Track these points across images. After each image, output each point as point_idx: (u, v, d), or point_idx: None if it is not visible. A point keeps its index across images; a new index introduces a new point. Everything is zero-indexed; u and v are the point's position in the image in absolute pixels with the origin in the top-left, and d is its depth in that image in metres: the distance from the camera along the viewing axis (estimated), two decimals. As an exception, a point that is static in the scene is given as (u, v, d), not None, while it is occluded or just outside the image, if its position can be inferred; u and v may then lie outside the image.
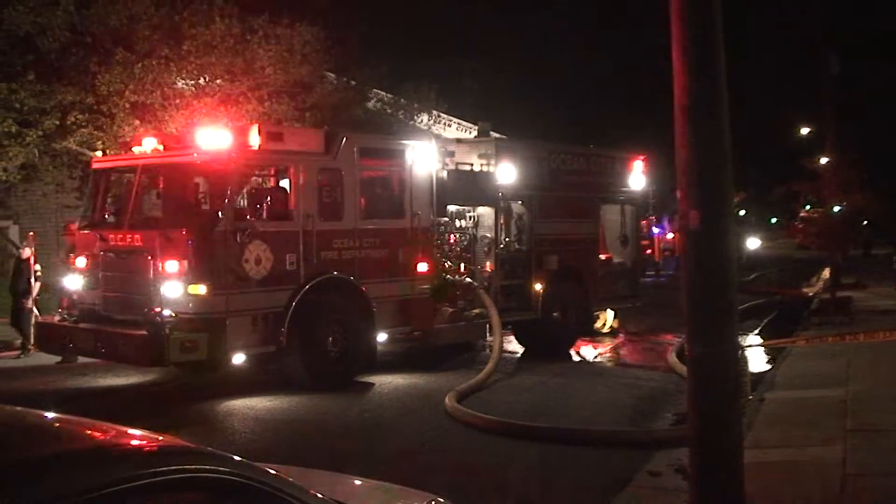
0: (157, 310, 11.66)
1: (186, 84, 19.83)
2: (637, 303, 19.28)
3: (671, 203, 29.43)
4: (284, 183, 13.25)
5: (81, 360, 13.42)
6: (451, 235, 15.53)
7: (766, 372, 14.82)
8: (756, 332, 20.77)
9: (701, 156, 6.28)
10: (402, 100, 25.93)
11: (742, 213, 58.52)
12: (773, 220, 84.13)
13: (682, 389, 11.84)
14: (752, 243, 52.07)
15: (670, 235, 37.33)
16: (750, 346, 17.99)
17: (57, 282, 15.07)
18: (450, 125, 32.77)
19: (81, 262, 13.26)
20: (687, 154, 6.29)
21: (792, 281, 35.23)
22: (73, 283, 13.30)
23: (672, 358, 15.22)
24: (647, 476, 8.69)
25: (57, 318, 13.28)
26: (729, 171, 6.31)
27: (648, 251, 30.06)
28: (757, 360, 16.81)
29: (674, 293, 18.95)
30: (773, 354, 16.65)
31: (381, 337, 13.86)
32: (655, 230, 36.52)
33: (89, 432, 3.58)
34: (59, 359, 14.39)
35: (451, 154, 15.84)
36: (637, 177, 18.93)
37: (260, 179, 14.50)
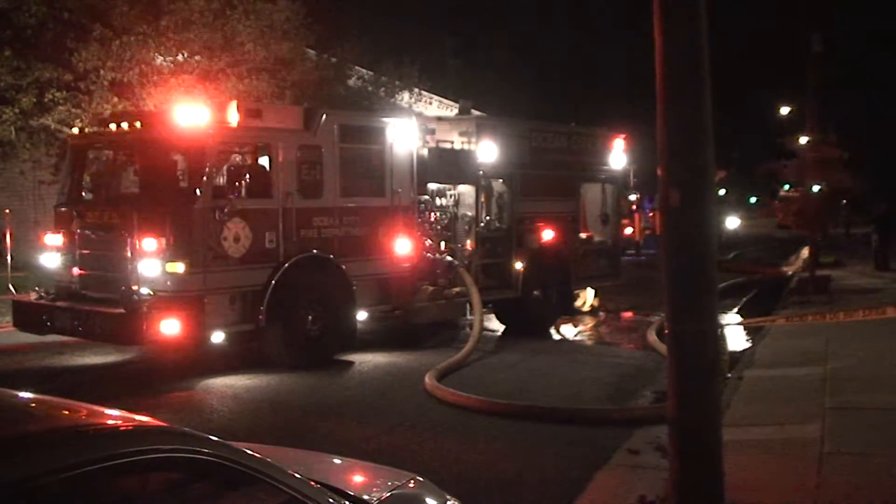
0: (135, 288, 11.60)
1: (165, 60, 19.68)
2: (617, 281, 19.36)
3: (652, 182, 29.50)
4: (264, 160, 13.17)
5: (58, 338, 13.32)
6: (432, 214, 15.50)
7: (745, 350, 14.92)
8: (735, 310, 20.89)
9: (682, 134, 6.26)
10: (382, 77, 25.83)
11: (722, 192, 58.68)
12: (754, 200, 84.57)
13: (662, 368, 11.94)
14: (732, 222, 52.30)
15: (651, 213, 37.42)
16: (729, 324, 18.07)
17: (34, 260, 14.95)
18: (431, 103, 32.68)
19: (58, 239, 13.16)
20: (668, 132, 6.27)
21: (771, 260, 35.43)
22: (51, 260, 13.20)
23: (652, 336, 15.28)
24: (627, 454, 8.73)
25: (34, 296, 13.18)
26: (710, 149, 6.30)
27: (629, 230, 30.10)
28: (736, 338, 16.91)
29: (654, 272, 19.01)
30: (753, 333, 16.74)
31: (362, 315, 13.84)
32: (644, 207, 36.61)
33: (63, 412, 3.55)
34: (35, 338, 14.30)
35: (432, 132, 15.80)
36: (618, 155, 18.96)
37: (239, 157, 14.40)
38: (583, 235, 18.29)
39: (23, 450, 2.94)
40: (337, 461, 5.23)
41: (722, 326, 14.98)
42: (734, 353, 14.65)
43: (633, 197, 30.12)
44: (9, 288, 13.74)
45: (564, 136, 18.05)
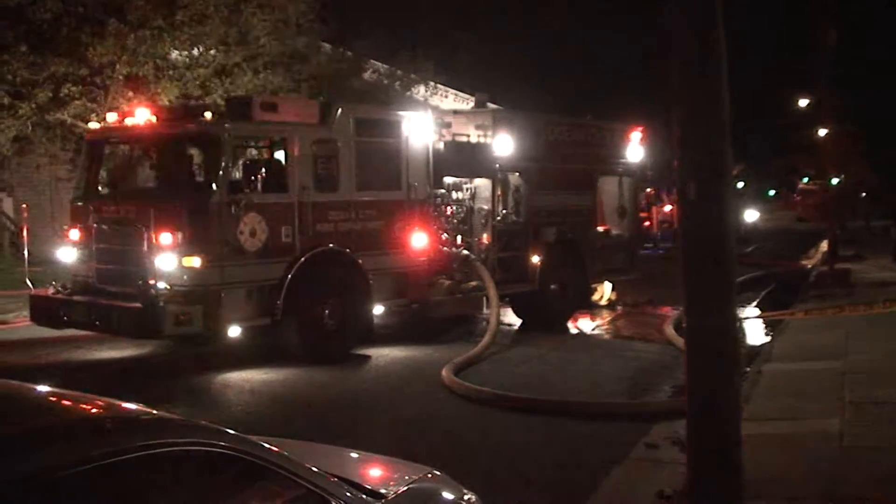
0: (152, 282, 11.64)
1: (180, 55, 19.73)
2: (635, 275, 19.28)
3: (669, 175, 29.39)
4: (279, 154, 13.18)
5: (75, 333, 13.38)
6: (448, 207, 15.49)
7: (764, 344, 14.85)
8: (754, 304, 20.78)
9: (699, 126, 6.23)
10: (398, 71, 25.85)
11: (740, 184, 58.45)
12: (772, 193, 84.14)
13: (680, 362, 11.90)
14: (751, 215, 51.97)
15: (668, 207, 37.27)
16: (748, 318, 18.02)
17: (51, 254, 15.03)
18: (447, 96, 32.68)
19: (75, 234, 13.23)
20: (685, 124, 6.24)
21: (790, 253, 35.24)
22: (67, 255, 13.27)
23: (669, 330, 15.23)
24: (645, 448, 8.71)
25: (51, 290, 13.25)
26: (728, 141, 6.26)
27: (646, 223, 30.00)
28: (755, 332, 16.84)
29: (672, 265, 18.96)
30: (772, 327, 16.67)
31: (378, 309, 13.84)
32: (661, 200, 36.45)
33: (80, 405, 3.57)
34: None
35: (448, 125, 15.76)
36: (635, 148, 18.88)
37: (255, 151, 14.44)
38: (600, 229, 18.24)
39: (40, 443, 2.96)
40: (353, 455, 5.24)
41: (741, 320, 14.96)
42: (753, 346, 14.60)
43: (650, 190, 30.04)
44: (26, 282, 13.80)
45: (581, 129, 17.99)
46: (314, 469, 3.80)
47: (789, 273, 27.41)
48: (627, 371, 12.99)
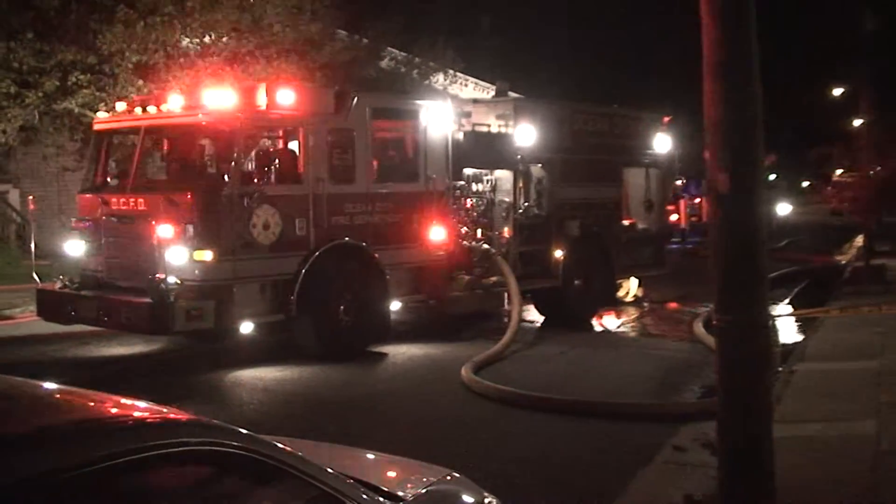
0: (162, 277, 11.67)
1: (191, 43, 19.78)
2: (662, 270, 19.23)
3: (698, 166, 29.26)
4: (293, 145, 13.20)
5: (83, 329, 13.45)
6: (468, 200, 15.47)
7: (796, 343, 14.78)
8: (787, 301, 20.69)
9: (730, 115, 6.19)
10: (416, 58, 25.84)
11: (773, 176, 58.16)
12: (806, 185, 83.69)
13: (710, 361, 11.86)
14: (783, 208, 51.76)
15: (697, 200, 37.14)
16: (780, 315, 17.93)
17: (58, 248, 15.09)
18: (466, 85, 32.65)
19: (83, 227, 13.28)
20: (715, 113, 6.20)
21: (824, 248, 35.05)
22: (75, 249, 13.33)
23: (699, 328, 15.18)
24: (673, 451, 8.69)
25: (58, 285, 13.32)
26: (760, 131, 6.22)
27: (674, 217, 29.88)
28: (788, 330, 16.76)
29: (700, 260, 18.88)
30: (805, 325, 16.58)
31: (395, 305, 13.86)
32: (690, 193, 36.33)
33: (88, 403, 3.57)
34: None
35: (468, 115, 15.75)
36: (662, 138, 18.81)
37: (268, 141, 14.46)
38: (626, 222, 18.19)
39: (46, 443, 2.96)
40: (370, 456, 5.24)
41: (773, 318, 14.87)
42: (785, 345, 14.53)
43: (678, 182, 29.90)
44: (32, 277, 13.86)
45: (606, 119, 17.94)
46: (329, 470, 3.80)
47: (823, 269, 27.26)
48: (654, 370, 12.94)
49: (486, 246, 15.19)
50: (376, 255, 13.38)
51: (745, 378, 6.19)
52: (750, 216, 6.18)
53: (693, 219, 36.40)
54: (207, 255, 11.79)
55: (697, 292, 18.94)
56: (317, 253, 12.62)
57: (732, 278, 6.22)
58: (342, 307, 13.02)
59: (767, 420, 6.34)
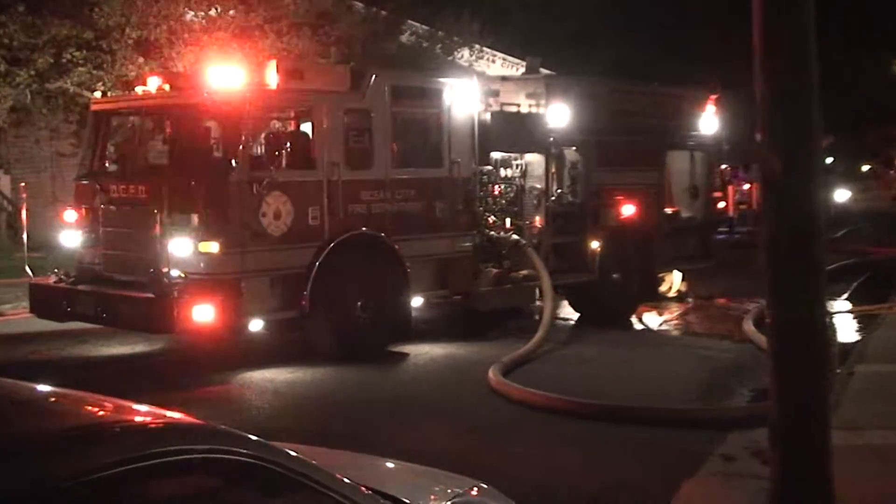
0: (165, 270, 11.72)
1: (196, 16, 19.84)
2: (708, 263, 19.16)
3: (748, 148, 29.12)
4: (306, 127, 13.23)
5: (80, 326, 13.54)
6: (496, 186, 15.46)
7: (856, 342, 14.70)
8: (845, 296, 20.58)
9: (785, 92, 6.15)
10: (439, 32, 25.81)
11: (829, 160, 57.79)
12: (866, 169, 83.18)
13: (761, 362, 11.80)
14: (842, 195, 51.51)
15: (746, 186, 36.96)
16: (838, 312, 17.84)
17: (53, 239, 15.19)
18: (494, 61, 32.61)
19: (79, 216, 13.36)
20: (768, 90, 6.16)
21: (886, 238, 34.82)
22: (71, 240, 13.40)
23: (749, 326, 15.12)
24: (721, 460, 8.67)
25: (53, 279, 13.41)
26: (817, 111, 6.18)
27: (721, 204, 29.77)
28: (846, 328, 16.67)
29: (751, 252, 18.79)
30: (865, 322, 16.49)
31: (417, 301, 13.87)
32: (739, 178, 36.14)
33: (85, 407, 3.59)
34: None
35: (496, 94, 15.74)
36: (709, 118, 18.73)
37: (279, 123, 14.49)
38: (668, 210, 18.13)
39: (38, 450, 2.97)
40: (390, 465, 5.24)
41: (830, 315, 14.80)
42: (844, 345, 14.45)
43: (726, 166, 29.77)
44: (25, 270, 13.96)
45: (647, 97, 17.88)
46: (346, 480, 3.80)
47: (885, 261, 27.07)
48: (700, 372, 12.91)
49: (515, 237, 15.18)
50: (396, 247, 13.40)
51: (802, 380, 6.16)
52: (806, 203, 6.14)
53: (742, 206, 36.22)
54: (213, 247, 11.83)
55: (747, 287, 18.83)
56: (332, 244, 12.64)
57: (786, 271, 6.18)
58: (359, 303, 13.04)
59: (825, 426, 6.30)
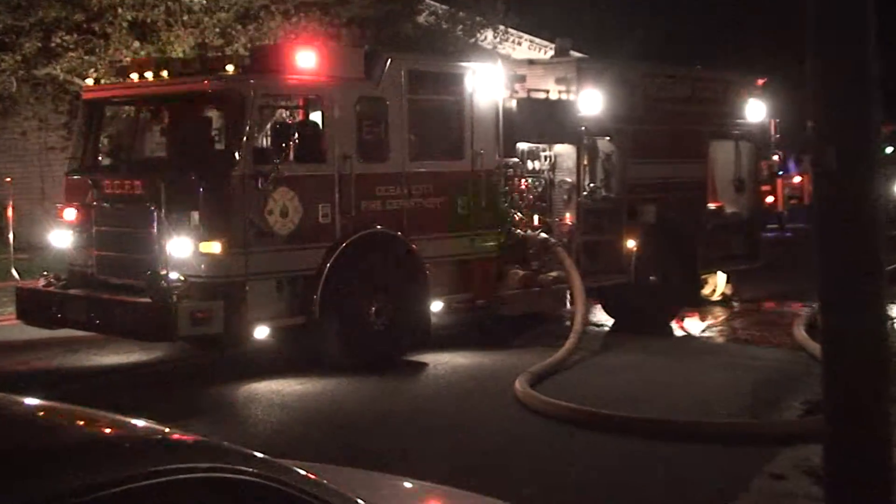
0: (163, 272, 11.76)
1: (195, -4, 19.89)
2: (755, 263, 19.09)
3: (800, 138, 29.01)
4: (316, 116, 13.24)
5: (71, 333, 13.60)
6: (522, 180, 15.45)
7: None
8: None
9: (839, 77, 6.13)
10: (461, 13, 25.79)
11: (889, 150, 57.42)
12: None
13: (814, 372, 11.75)
14: (902, 188, 51.21)
15: (797, 179, 36.83)
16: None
17: (41, 239, 15.27)
18: (520, 43, 32.56)
19: (71, 214, 13.41)
20: (822, 76, 6.15)
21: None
22: (61, 239, 13.45)
23: (800, 332, 15.06)
24: (770, 479, 8.67)
25: (41, 282, 13.46)
26: (875, 96, 6.16)
27: (770, 199, 29.68)
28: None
29: (802, 251, 18.72)
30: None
31: (437, 306, 13.87)
32: (790, 170, 36.00)
33: (77, 422, 3.60)
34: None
35: (522, 79, 15.71)
36: (756, 106, 18.66)
37: (286, 112, 14.52)
38: (712, 206, 18.07)
39: (27, 470, 2.99)
40: (407, 485, 5.25)
41: (891, 319, 14.70)
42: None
43: (775, 158, 29.68)
44: (11, 273, 14.03)
45: (688, 83, 17.82)
46: (359, 501, 3.81)
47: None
48: (746, 383, 12.86)
49: (544, 235, 15.16)
50: (414, 247, 13.40)
51: (859, 392, 6.13)
52: (863, 197, 6.12)
53: (793, 201, 36.09)
54: (215, 248, 11.86)
55: (798, 289, 18.79)
56: (344, 244, 12.65)
57: (841, 273, 6.16)
58: (374, 308, 13.05)
59: (887, 443, 6.28)
